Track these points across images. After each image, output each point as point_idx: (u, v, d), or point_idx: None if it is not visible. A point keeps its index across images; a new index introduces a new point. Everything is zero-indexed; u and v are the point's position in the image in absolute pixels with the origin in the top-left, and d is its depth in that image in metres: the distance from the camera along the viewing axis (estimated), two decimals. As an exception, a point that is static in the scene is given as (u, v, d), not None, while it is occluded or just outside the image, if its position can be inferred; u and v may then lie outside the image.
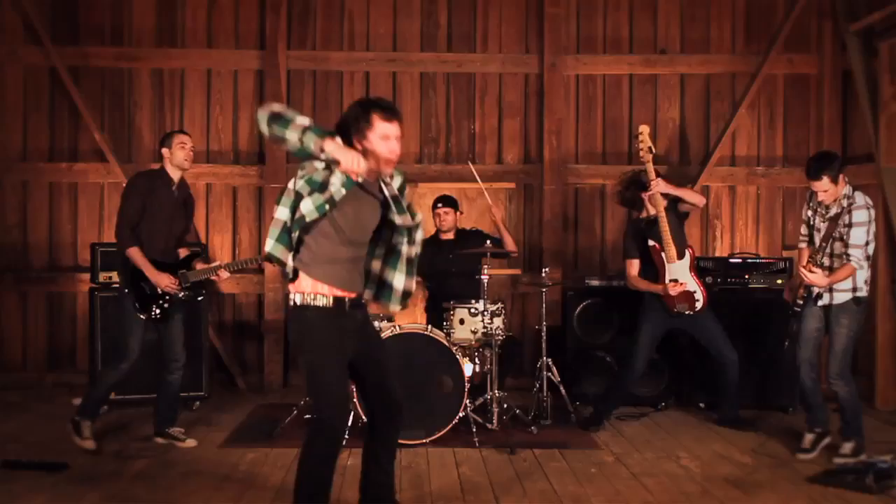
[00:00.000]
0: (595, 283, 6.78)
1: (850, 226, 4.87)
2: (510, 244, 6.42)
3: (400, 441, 5.20)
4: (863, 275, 4.95)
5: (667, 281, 5.68)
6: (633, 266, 5.91)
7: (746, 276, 6.46)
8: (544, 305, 6.08)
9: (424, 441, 5.30)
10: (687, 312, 5.71)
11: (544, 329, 6.04)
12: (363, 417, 5.28)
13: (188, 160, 5.22)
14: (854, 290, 4.97)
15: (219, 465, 4.72)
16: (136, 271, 5.08)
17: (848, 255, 4.87)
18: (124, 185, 5.45)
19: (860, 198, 4.91)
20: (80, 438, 5.09)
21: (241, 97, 7.36)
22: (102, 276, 6.41)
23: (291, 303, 3.57)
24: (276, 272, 7.15)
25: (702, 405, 6.43)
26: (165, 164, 5.21)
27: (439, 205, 6.53)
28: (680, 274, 5.69)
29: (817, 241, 5.03)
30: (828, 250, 4.98)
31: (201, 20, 7.36)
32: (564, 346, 6.68)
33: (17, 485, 4.46)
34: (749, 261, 6.54)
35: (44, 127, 7.27)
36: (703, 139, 7.45)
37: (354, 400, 5.31)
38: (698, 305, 5.72)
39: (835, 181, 4.91)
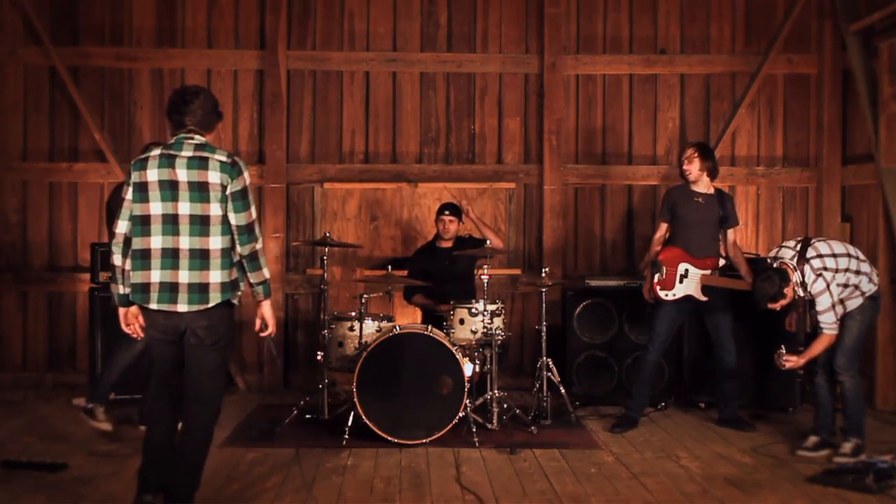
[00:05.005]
0: (595, 283, 6.78)
1: (812, 298, 4.97)
2: (495, 240, 6.42)
3: (400, 441, 5.28)
4: (865, 280, 5.02)
5: (656, 278, 5.78)
6: (661, 229, 6.02)
7: (747, 276, 6.45)
8: (544, 305, 6.08)
9: (424, 441, 5.30)
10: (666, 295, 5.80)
11: (544, 329, 6.04)
12: (363, 417, 5.30)
13: None
14: (863, 294, 5.03)
15: (219, 465, 4.71)
16: None
17: (819, 326, 4.97)
18: None
19: (809, 273, 4.96)
20: (96, 422, 5.27)
21: (241, 97, 7.35)
22: (103, 276, 6.37)
23: (235, 300, 4.14)
24: (276, 272, 7.15)
25: (702, 405, 6.43)
26: None
27: (446, 212, 6.53)
28: (684, 285, 5.78)
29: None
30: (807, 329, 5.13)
31: (201, 20, 7.35)
32: (564, 346, 6.68)
33: (17, 485, 4.46)
34: (749, 260, 6.51)
35: (44, 127, 7.26)
36: (703, 139, 7.43)
37: (355, 400, 5.31)
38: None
39: (786, 289, 4.98)
